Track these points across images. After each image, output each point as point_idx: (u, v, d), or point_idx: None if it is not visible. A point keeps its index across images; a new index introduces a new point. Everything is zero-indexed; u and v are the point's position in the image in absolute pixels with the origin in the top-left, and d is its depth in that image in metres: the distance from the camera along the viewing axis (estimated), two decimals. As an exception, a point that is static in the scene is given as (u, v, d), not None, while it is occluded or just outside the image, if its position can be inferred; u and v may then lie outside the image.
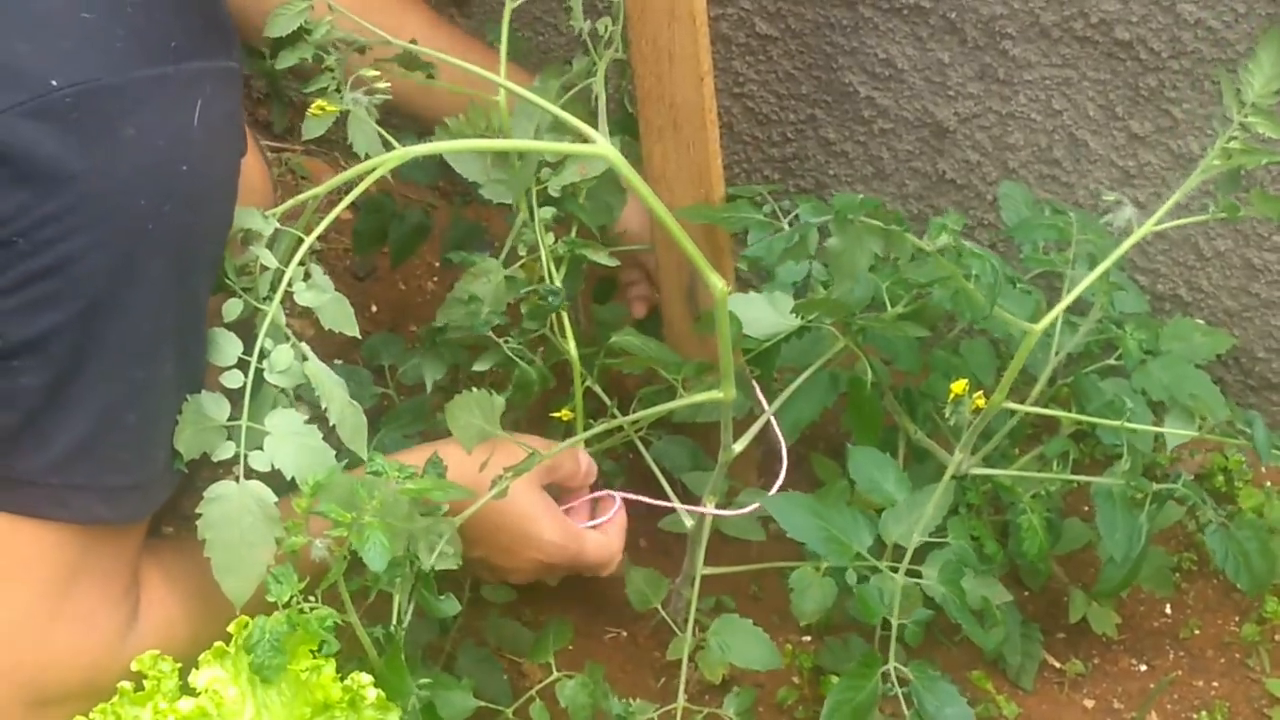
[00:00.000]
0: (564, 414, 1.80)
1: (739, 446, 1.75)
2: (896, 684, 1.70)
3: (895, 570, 1.72)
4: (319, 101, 1.59)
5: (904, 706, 1.70)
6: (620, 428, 1.80)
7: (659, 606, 1.86)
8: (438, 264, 2.43)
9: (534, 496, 1.72)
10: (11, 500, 1.38)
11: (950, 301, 1.71)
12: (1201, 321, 2.07)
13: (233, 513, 1.40)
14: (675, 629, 1.84)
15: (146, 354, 1.37)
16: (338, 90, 1.61)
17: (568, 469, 1.78)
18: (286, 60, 1.60)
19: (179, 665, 1.42)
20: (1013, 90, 2.04)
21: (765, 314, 1.79)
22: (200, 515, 1.40)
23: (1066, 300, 1.66)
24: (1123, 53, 1.94)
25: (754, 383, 1.82)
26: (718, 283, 1.48)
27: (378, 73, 1.60)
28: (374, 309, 2.36)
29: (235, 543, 1.41)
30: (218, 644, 1.43)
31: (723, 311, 1.51)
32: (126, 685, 1.40)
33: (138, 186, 1.30)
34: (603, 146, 1.39)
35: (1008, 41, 2.00)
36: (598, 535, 1.80)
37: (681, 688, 1.80)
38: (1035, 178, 2.09)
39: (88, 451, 1.37)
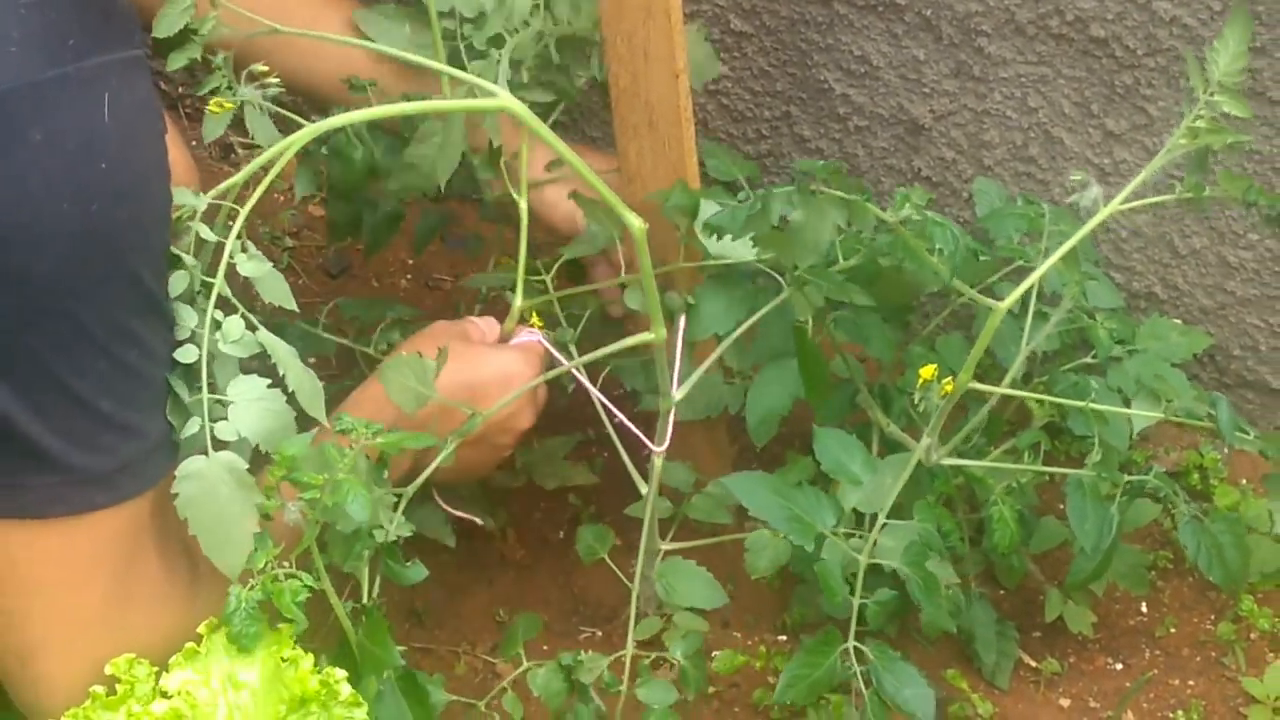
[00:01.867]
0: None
1: (679, 395, 1.74)
2: (856, 661, 1.69)
3: (858, 551, 1.71)
4: (216, 99, 1.60)
5: (864, 687, 1.69)
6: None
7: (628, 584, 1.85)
8: (411, 261, 2.42)
9: (469, 347, 1.74)
10: (14, 507, 1.38)
11: (892, 248, 1.70)
12: (1177, 320, 2.07)
13: (208, 487, 1.40)
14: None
15: (106, 347, 1.36)
16: (230, 88, 1.63)
17: (475, 334, 1.79)
18: (177, 62, 1.60)
19: (156, 669, 1.41)
20: (988, 87, 2.04)
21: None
22: (176, 496, 1.40)
23: (1028, 281, 1.65)
24: (1098, 50, 1.94)
25: (681, 320, 1.81)
26: (634, 221, 1.49)
27: (267, 67, 1.62)
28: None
29: (217, 517, 1.40)
30: (189, 645, 1.43)
31: (644, 252, 1.51)
32: (99, 689, 1.40)
33: (56, 191, 1.29)
34: (505, 98, 1.42)
35: (983, 39, 1.99)
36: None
37: (630, 632, 1.78)
38: (1011, 175, 2.09)
39: (69, 445, 1.37)
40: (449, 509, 1.82)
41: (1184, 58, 1.88)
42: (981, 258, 1.82)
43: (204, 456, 1.40)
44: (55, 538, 1.40)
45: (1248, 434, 1.79)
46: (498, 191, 1.85)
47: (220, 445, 1.41)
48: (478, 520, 1.89)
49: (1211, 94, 1.54)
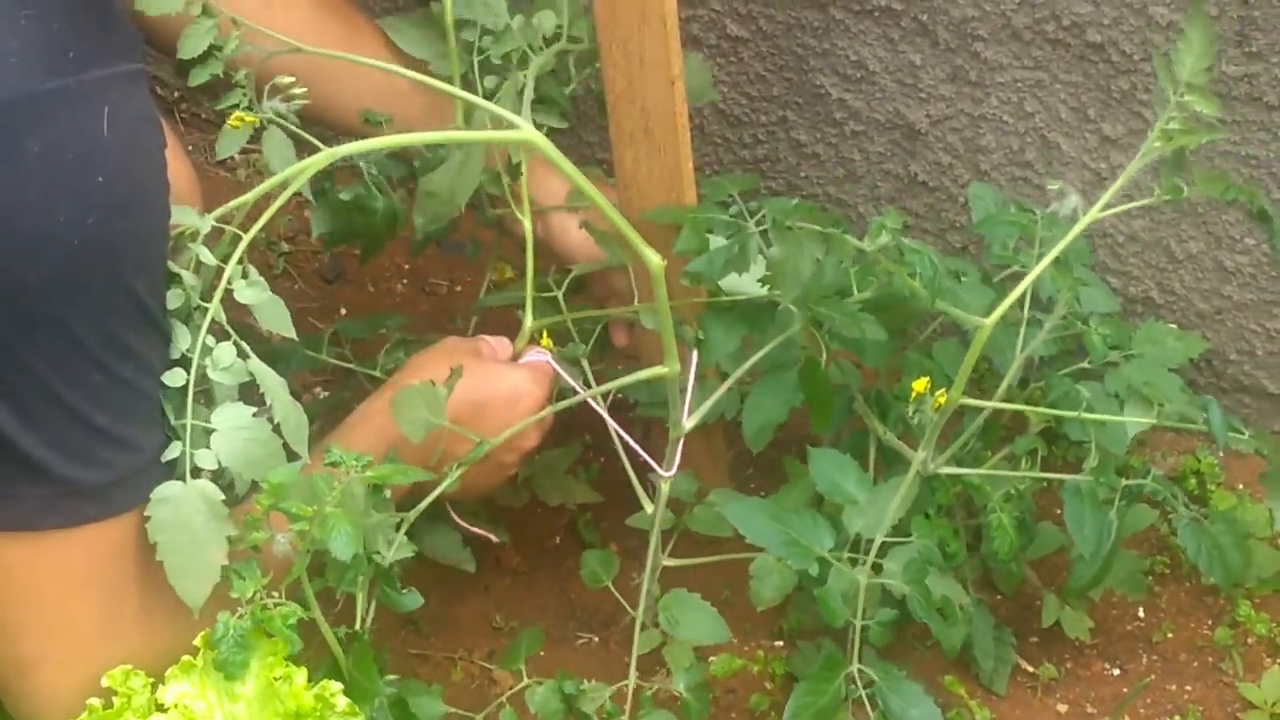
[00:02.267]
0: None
1: (689, 425, 1.75)
2: (861, 685, 1.69)
3: (859, 566, 1.70)
4: (237, 114, 1.62)
5: (869, 709, 1.69)
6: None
7: (626, 605, 1.85)
8: (407, 266, 2.42)
9: (481, 363, 1.74)
10: (8, 518, 1.38)
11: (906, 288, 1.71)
12: (1174, 325, 2.07)
13: (182, 514, 1.41)
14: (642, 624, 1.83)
15: (101, 360, 1.37)
16: (249, 106, 1.64)
17: (486, 352, 1.79)
18: (199, 78, 1.61)
19: (152, 681, 1.41)
20: (984, 92, 2.03)
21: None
22: (149, 519, 1.40)
23: (1015, 293, 1.65)
24: (1095, 55, 1.94)
25: (693, 354, 1.81)
26: (653, 257, 1.50)
27: (293, 78, 1.64)
28: (343, 312, 2.35)
29: (186, 545, 1.41)
30: (185, 658, 1.43)
31: (660, 287, 1.52)
32: (96, 702, 1.40)
33: (53, 203, 1.30)
34: (527, 131, 1.42)
35: (979, 44, 1.99)
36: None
37: (633, 664, 1.78)
38: (1007, 180, 2.09)
39: (63, 457, 1.37)
40: (465, 525, 1.82)
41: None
42: (963, 279, 1.82)
43: (180, 482, 1.41)
44: (50, 550, 1.40)
45: (1242, 434, 1.79)
46: (499, 209, 1.85)
47: (199, 473, 1.41)
48: (493, 537, 1.89)
49: (1181, 95, 1.54)
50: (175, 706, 1.40)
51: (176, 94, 2.55)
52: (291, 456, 1.45)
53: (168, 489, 1.41)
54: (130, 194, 1.36)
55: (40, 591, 1.42)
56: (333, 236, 2.03)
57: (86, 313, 1.34)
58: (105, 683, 1.41)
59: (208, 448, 1.42)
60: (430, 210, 1.79)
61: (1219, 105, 1.54)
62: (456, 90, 1.57)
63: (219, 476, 1.44)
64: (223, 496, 1.41)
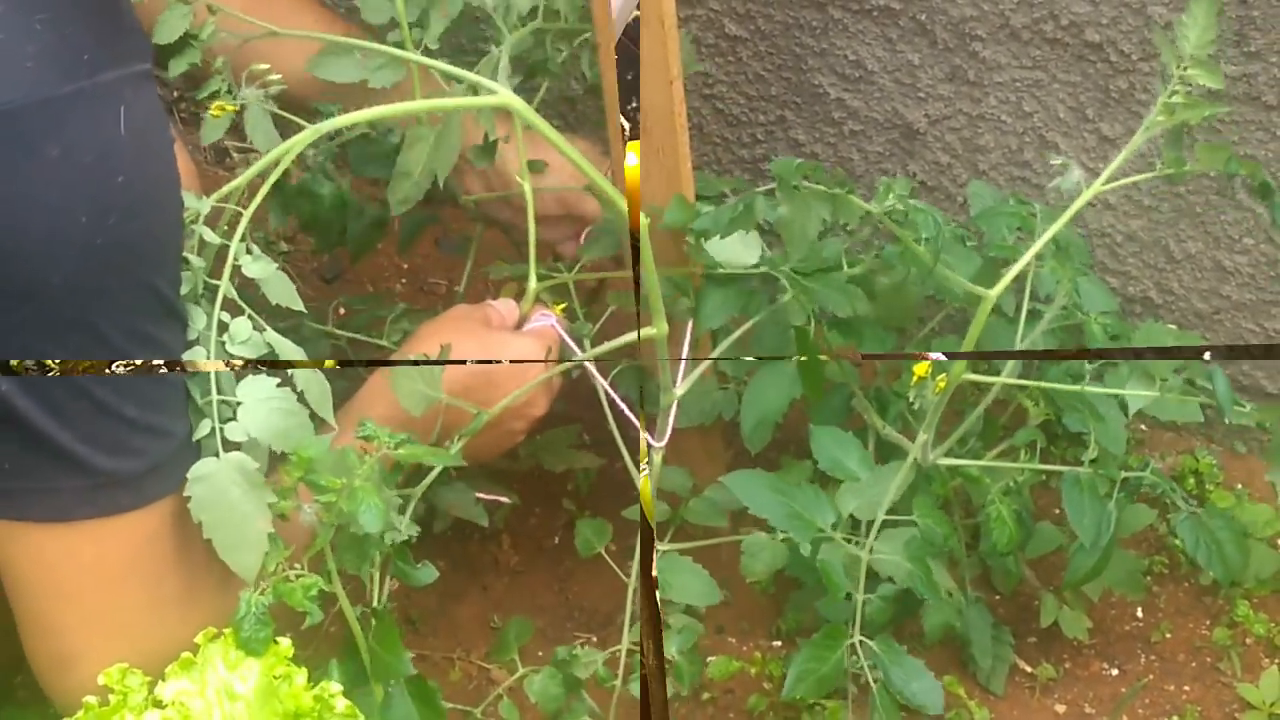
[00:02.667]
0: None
1: (680, 390, 1.75)
2: (862, 655, 1.68)
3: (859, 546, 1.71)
4: (218, 102, 1.64)
5: (870, 681, 1.69)
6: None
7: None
8: (405, 265, 2.42)
9: (490, 333, 1.75)
10: (45, 510, 1.40)
11: (900, 259, 1.71)
12: (1172, 325, 2.07)
13: (220, 489, 1.41)
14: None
15: (127, 354, 1.38)
16: (229, 91, 1.66)
17: (495, 319, 1.80)
18: (178, 67, 1.62)
19: (149, 679, 1.41)
20: (983, 92, 2.03)
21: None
22: (190, 499, 1.41)
23: (1019, 265, 1.66)
24: (1093, 55, 1.94)
25: (686, 327, 1.81)
26: (627, 207, 1.52)
27: (267, 65, 1.65)
28: (341, 312, 2.35)
29: (230, 518, 1.42)
30: (184, 655, 1.42)
31: (645, 247, 1.54)
32: (92, 700, 1.39)
33: (74, 205, 1.30)
34: (506, 95, 1.45)
35: (978, 43, 1.99)
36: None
37: (626, 625, 1.78)
38: (1005, 179, 2.09)
39: (97, 450, 1.38)
40: (480, 495, 1.83)
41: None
42: (969, 244, 1.82)
43: (215, 458, 1.42)
44: (88, 541, 1.42)
45: (1244, 407, 1.78)
46: (474, 193, 1.88)
47: (231, 446, 1.42)
48: (504, 500, 1.90)
49: (1185, 68, 1.53)
50: (173, 704, 1.39)
51: (176, 93, 2.55)
52: (317, 424, 1.46)
53: (203, 467, 1.41)
54: (147, 191, 1.37)
55: (80, 584, 1.43)
56: (326, 237, 2.04)
57: (110, 310, 1.35)
58: (101, 681, 1.41)
59: (234, 421, 1.43)
60: (401, 191, 1.79)
61: (1222, 78, 1.54)
62: (434, 62, 1.57)
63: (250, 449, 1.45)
64: (258, 465, 1.42)
